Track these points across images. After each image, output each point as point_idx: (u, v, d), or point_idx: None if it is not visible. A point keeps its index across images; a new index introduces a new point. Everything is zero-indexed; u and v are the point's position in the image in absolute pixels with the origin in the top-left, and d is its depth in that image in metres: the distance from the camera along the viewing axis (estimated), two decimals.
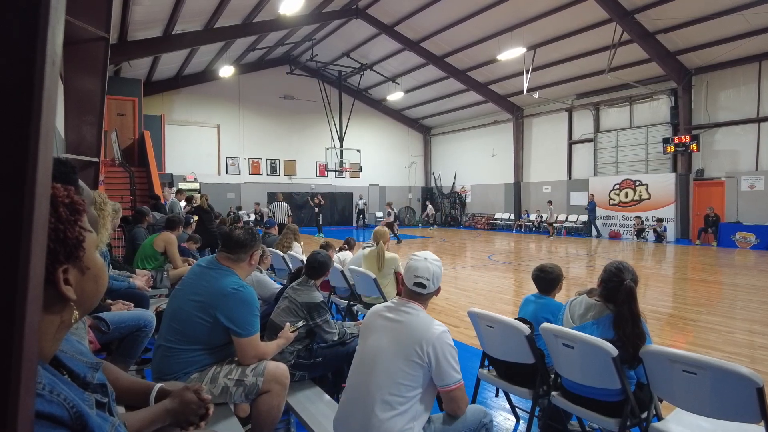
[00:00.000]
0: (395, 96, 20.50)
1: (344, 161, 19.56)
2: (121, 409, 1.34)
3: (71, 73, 5.06)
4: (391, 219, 15.61)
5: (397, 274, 4.32)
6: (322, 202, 18.55)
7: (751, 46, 12.75)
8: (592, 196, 16.87)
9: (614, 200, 16.78)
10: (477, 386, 2.80)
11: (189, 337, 2.15)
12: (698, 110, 14.78)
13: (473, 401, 2.64)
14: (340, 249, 5.51)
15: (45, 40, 0.41)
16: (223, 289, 2.16)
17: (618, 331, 2.15)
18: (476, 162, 22.93)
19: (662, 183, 15.51)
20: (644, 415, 2.17)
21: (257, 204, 17.75)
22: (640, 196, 16.09)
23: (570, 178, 18.91)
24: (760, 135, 13.57)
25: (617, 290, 2.21)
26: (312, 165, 22.35)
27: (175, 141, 18.21)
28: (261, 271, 3.91)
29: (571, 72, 16.41)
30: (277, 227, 7.82)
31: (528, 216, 19.62)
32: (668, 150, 14.92)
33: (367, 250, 4.52)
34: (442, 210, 24.71)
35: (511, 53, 14.13)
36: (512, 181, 20.91)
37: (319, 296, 2.79)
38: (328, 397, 2.52)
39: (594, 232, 16.72)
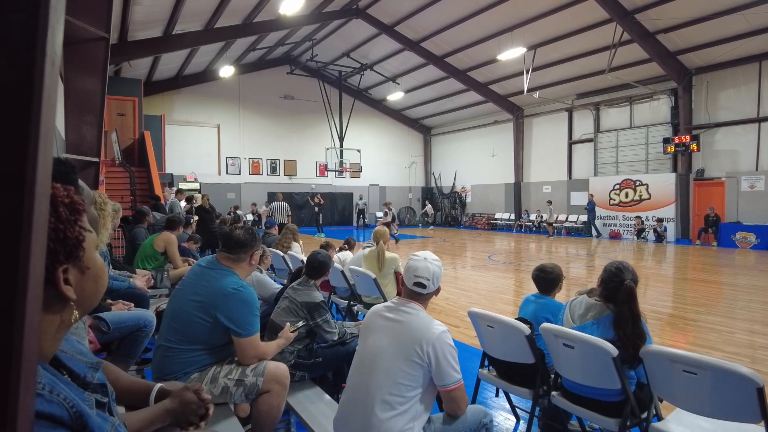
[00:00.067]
0: (395, 96, 20.50)
1: (344, 161, 19.55)
2: (121, 409, 1.34)
3: (71, 73, 5.07)
4: (389, 219, 15.62)
5: (397, 274, 4.32)
6: (322, 201, 18.55)
7: (752, 46, 12.75)
8: (592, 196, 16.87)
9: (614, 200, 16.78)
10: (477, 386, 2.79)
11: (189, 337, 2.15)
12: (698, 110, 14.77)
13: (473, 401, 2.64)
14: (341, 249, 5.51)
15: (45, 40, 0.41)
16: (223, 289, 2.16)
17: (618, 331, 2.15)
18: (476, 162, 22.92)
19: (662, 183, 15.51)
20: (644, 415, 2.17)
21: (254, 204, 17.72)
22: (640, 196, 16.08)
23: (570, 178, 18.91)
24: (760, 135, 13.56)
25: (617, 290, 2.21)
26: (312, 165, 22.35)
27: (175, 141, 18.21)
28: (261, 271, 3.91)
29: (572, 72, 16.41)
30: (277, 227, 7.82)
31: (528, 216, 19.62)
32: (668, 150, 14.92)
33: (367, 250, 4.52)
34: (443, 210, 24.71)
35: (512, 53, 14.13)
36: (512, 181, 20.90)
37: (319, 296, 2.79)
38: (328, 397, 2.52)
39: (594, 232, 16.73)
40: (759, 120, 13.53)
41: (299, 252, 5.75)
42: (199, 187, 17.94)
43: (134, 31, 12.38)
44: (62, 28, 0.45)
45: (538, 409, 2.49)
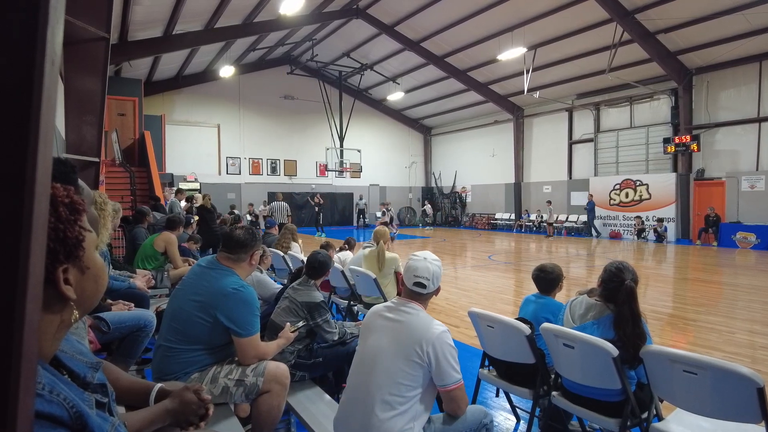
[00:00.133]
0: (395, 96, 20.50)
1: (344, 161, 19.56)
2: (121, 409, 1.34)
3: (71, 73, 5.07)
4: (386, 219, 15.62)
5: (397, 274, 4.31)
6: (322, 201, 18.53)
7: (752, 46, 12.74)
8: (591, 196, 16.87)
9: (615, 200, 16.77)
10: (477, 386, 2.79)
11: (189, 337, 2.15)
12: (699, 110, 14.77)
13: (473, 401, 2.64)
14: (341, 249, 5.51)
15: (45, 39, 0.41)
16: (223, 289, 2.16)
17: (618, 331, 2.15)
18: (476, 162, 22.92)
19: (663, 183, 15.50)
20: (645, 415, 2.17)
21: (251, 205, 17.62)
22: (640, 196, 16.08)
23: (570, 178, 18.91)
24: (760, 135, 13.56)
25: (618, 290, 2.21)
26: (312, 165, 22.35)
27: (175, 141, 18.21)
28: (261, 271, 3.91)
29: (572, 72, 16.41)
30: (277, 227, 7.83)
31: (528, 216, 19.62)
32: (669, 150, 14.91)
33: (368, 250, 4.52)
34: (443, 210, 24.70)
35: (512, 53, 14.13)
36: (512, 181, 20.90)
37: (319, 296, 2.79)
38: (328, 397, 2.52)
39: (593, 232, 16.73)
40: (759, 120, 13.52)
41: (299, 252, 5.75)
42: (199, 187, 17.93)
43: (134, 31, 12.38)
44: (62, 28, 0.45)
45: (538, 409, 2.49)
